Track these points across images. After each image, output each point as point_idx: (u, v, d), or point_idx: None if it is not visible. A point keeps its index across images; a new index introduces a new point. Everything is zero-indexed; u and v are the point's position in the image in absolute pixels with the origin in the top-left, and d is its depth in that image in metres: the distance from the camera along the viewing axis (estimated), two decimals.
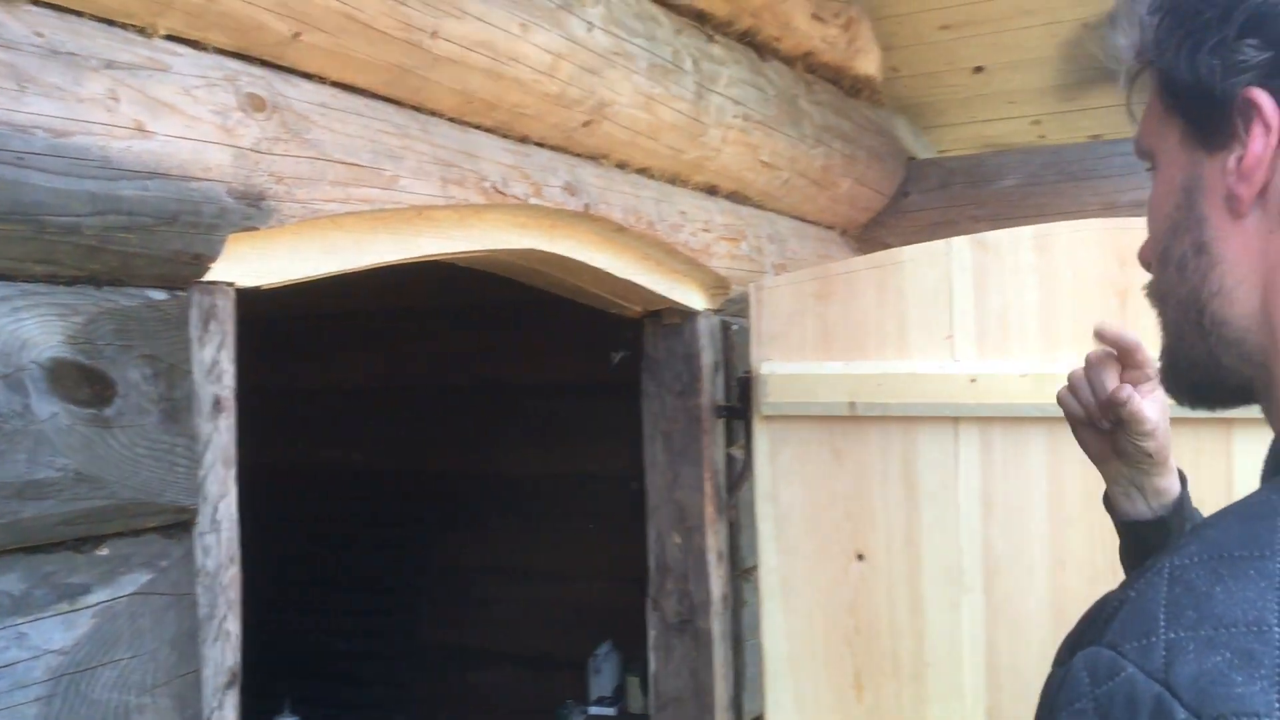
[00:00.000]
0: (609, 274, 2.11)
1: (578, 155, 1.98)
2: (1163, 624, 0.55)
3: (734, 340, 2.48)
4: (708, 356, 2.44)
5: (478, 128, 1.74)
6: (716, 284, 2.40)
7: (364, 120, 1.48)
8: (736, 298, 2.46)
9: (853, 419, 2.28)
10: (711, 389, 2.45)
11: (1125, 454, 1.18)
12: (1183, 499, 1.21)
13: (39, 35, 1.09)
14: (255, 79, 1.33)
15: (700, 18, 2.30)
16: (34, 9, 1.10)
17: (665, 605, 2.50)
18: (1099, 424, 1.20)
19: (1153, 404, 1.16)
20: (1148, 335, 2.08)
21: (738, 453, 2.49)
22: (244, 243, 1.31)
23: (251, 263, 1.34)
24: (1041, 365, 2.13)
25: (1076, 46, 3.29)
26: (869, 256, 2.34)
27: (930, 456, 2.24)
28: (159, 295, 1.20)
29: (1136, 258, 0.80)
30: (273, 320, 2.91)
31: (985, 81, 3.51)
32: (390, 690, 4.12)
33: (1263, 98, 0.65)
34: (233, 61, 1.31)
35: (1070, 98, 3.59)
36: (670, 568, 2.49)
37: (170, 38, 1.24)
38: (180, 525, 1.21)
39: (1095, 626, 0.60)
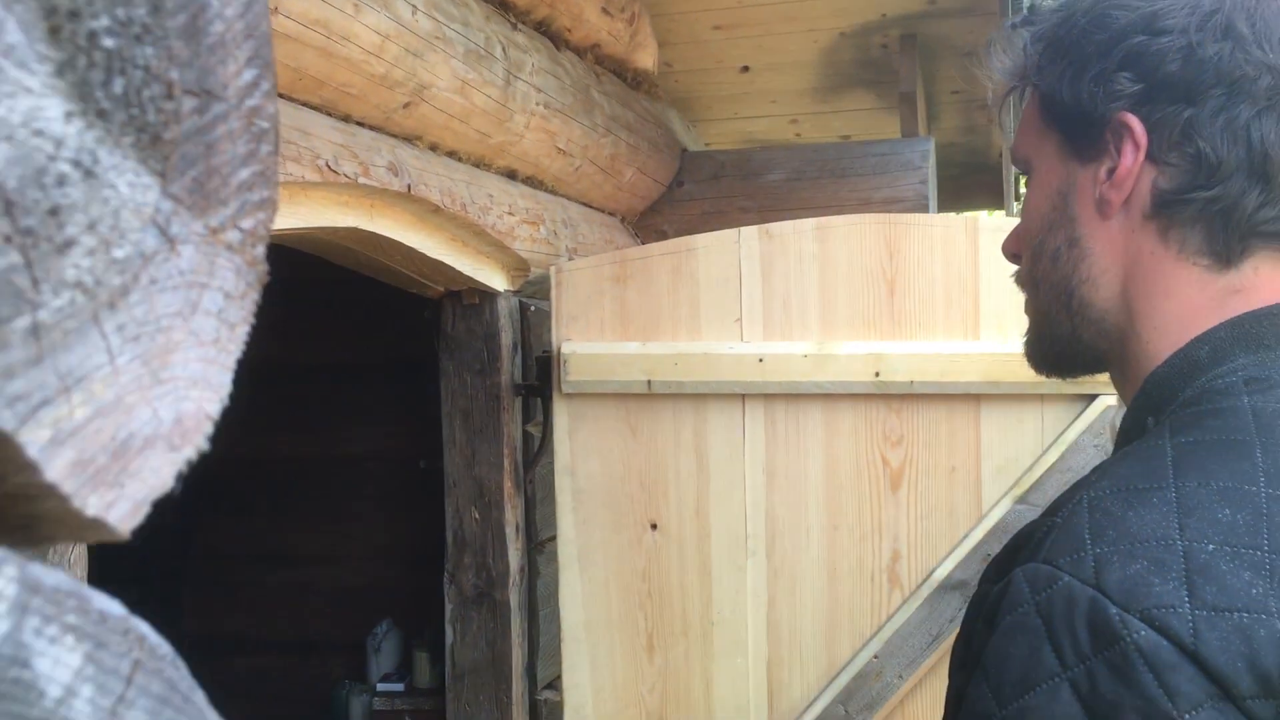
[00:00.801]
0: (421, 254, 2.14)
1: (395, 136, 2.00)
2: (1089, 542, 0.69)
3: (532, 321, 2.56)
4: (507, 336, 2.51)
5: (305, 105, 1.74)
6: (518, 266, 2.47)
7: None
8: (534, 279, 2.55)
9: (649, 396, 2.42)
10: (511, 368, 2.52)
11: None
12: None
13: None
14: None
15: (503, 5, 2.36)
16: None
17: (463, 579, 2.55)
18: None
19: None
20: (909, 320, 2.32)
21: (535, 430, 2.58)
22: None
23: None
24: (821, 346, 2.34)
25: (833, 53, 3.57)
26: (664, 243, 2.48)
27: (719, 431, 2.41)
28: None
29: (993, 247, 0.95)
30: None
31: (750, 81, 3.74)
32: None
33: (1134, 121, 0.81)
34: None
35: (825, 100, 3.88)
36: (468, 542, 2.55)
37: None
38: None
39: (1027, 549, 0.73)
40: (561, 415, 2.45)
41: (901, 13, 3.30)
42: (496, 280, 2.46)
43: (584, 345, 2.43)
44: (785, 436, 2.40)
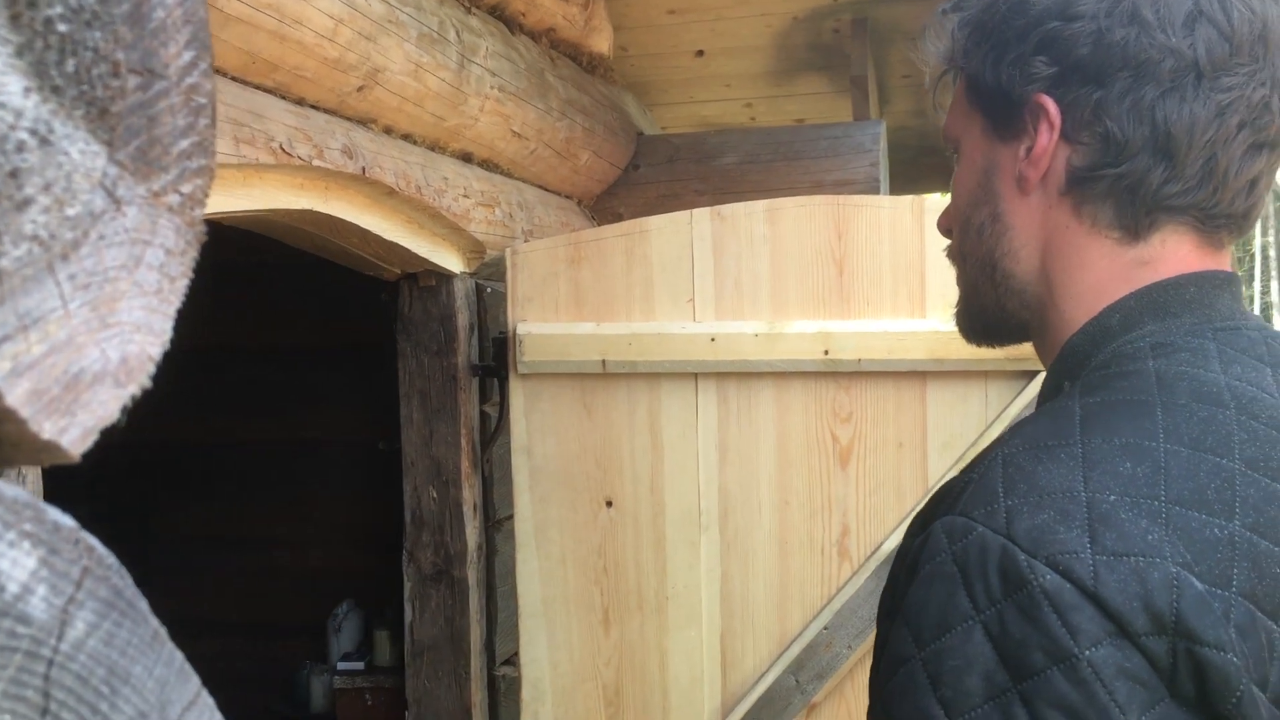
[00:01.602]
0: (377, 236, 2.17)
1: (350, 119, 2.03)
2: (1001, 495, 0.74)
3: (488, 302, 2.60)
4: (464, 317, 2.54)
5: (258, 88, 1.77)
6: (474, 248, 2.51)
7: None
8: (490, 261, 2.58)
9: (604, 376, 2.46)
10: (467, 349, 2.56)
11: None
12: None
13: None
14: None
15: None
16: None
17: (421, 557, 2.59)
18: None
19: None
20: (858, 299, 2.38)
21: (491, 410, 2.62)
22: None
23: None
24: (771, 326, 2.39)
25: (786, 37, 3.62)
26: (618, 225, 2.52)
27: (673, 410, 2.46)
28: None
29: (935, 226, 1.01)
30: None
31: (705, 65, 3.78)
32: None
33: (1049, 102, 0.86)
34: None
35: (779, 84, 3.93)
36: (426, 521, 2.58)
37: None
38: None
39: (947, 502, 0.78)
40: (517, 395, 2.49)
41: None
42: (452, 262, 2.49)
43: (539, 326, 2.47)
44: (737, 414, 2.45)
